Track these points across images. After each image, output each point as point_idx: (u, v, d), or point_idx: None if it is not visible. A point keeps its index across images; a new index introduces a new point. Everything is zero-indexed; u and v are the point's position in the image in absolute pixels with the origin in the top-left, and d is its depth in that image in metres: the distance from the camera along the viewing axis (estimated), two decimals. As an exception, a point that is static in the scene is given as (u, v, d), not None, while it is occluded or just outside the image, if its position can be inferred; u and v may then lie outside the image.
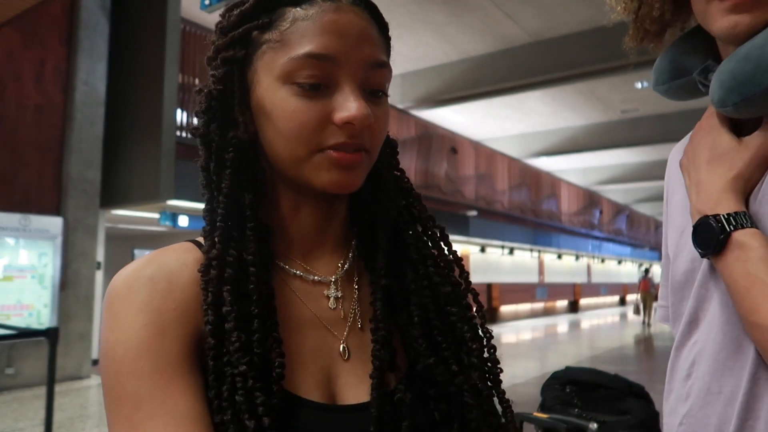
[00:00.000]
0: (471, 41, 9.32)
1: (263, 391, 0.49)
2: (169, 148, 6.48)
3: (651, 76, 0.79)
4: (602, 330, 15.16)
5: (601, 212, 20.68)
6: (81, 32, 6.75)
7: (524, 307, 17.01)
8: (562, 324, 16.12)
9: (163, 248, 0.57)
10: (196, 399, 0.49)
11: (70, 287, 6.63)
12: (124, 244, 12.81)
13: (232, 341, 0.50)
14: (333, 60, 0.54)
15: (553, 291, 18.50)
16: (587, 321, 17.20)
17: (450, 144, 11.83)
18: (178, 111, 6.77)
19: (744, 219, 0.60)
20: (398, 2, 7.97)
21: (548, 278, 19.36)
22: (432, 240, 0.66)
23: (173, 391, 0.48)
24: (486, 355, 0.61)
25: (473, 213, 12.47)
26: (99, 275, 7.22)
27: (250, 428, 0.48)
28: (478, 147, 13.15)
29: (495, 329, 13.37)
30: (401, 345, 0.60)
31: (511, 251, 16.46)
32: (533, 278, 18.46)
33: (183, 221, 8.21)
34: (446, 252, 0.66)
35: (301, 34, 0.54)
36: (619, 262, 26.01)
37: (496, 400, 0.61)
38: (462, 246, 14.46)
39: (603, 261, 23.82)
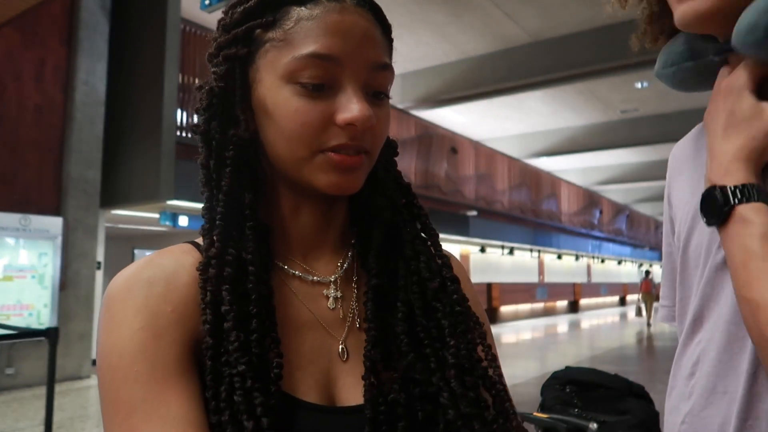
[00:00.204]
0: (471, 41, 9.32)
1: (262, 392, 0.49)
2: (169, 148, 6.48)
3: (657, 62, 0.76)
4: (602, 330, 15.15)
5: (601, 212, 20.69)
6: (81, 32, 6.75)
7: (524, 307, 17.01)
8: (562, 324, 16.12)
9: (162, 250, 0.57)
10: (192, 403, 0.49)
11: (70, 287, 6.63)
12: (124, 244, 12.81)
13: (230, 341, 0.50)
14: (336, 61, 0.53)
15: (553, 291, 18.50)
16: (587, 321, 17.19)
17: (450, 144, 11.84)
18: (178, 111, 6.77)
19: (752, 192, 0.58)
20: (398, 2, 7.97)
21: (548, 278, 19.37)
22: (431, 238, 0.65)
23: (168, 395, 0.48)
24: (472, 352, 0.58)
25: (473, 213, 12.47)
26: (99, 275, 7.22)
27: (248, 429, 0.47)
28: (478, 147, 13.15)
29: (495, 329, 13.38)
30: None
31: (511, 251, 16.46)
32: (533, 278, 18.46)
33: (183, 221, 8.21)
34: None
35: (305, 34, 0.53)
36: (619, 262, 26.01)
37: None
38: (462, 246, 14.46)
39: (603, 261, 23.82)
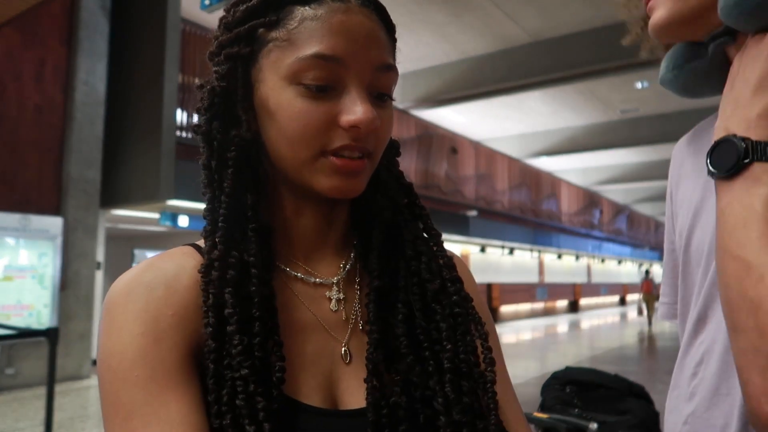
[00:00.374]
0: (471, 41, 9.32)
1: (264, 396, 0.49)
2: (169, 148, 6.48)
3: (659, 68, 0.76)
4: (602, 330, 15.15)
5: (601, 212, 20.69)
6: (81, 32, 6.75)
7: (524, 307, 17.01)
8: (562, 324, 16.11)
9: (162, 253, 0.57)
10: (192, 406, 0.48)
11: (70, 287, 6.63)
12: (124, 244, 12.81)
13: (234, 344, 0.49)
14: (341, 62, 0.53)
15: (553, 291, 18.50)
16: (587, 321, 17.19)
17: (450, 144, 11.84)
18: (178, 111, 6.77)
19: None
20: (398, 2, 7.97)
21: (548, 278, 19.36)
22: (433, 238, 0.64)
23: (168, 399, 0.48)
24: (473, 356, 0.57)
25: (473, 213, 12.47)
26: (99, 275, 7.22)
27: None
28: (478, 147, 13.15)
29: (495, 329, 13.28)
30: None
31: (511, 251, 16.46)
32: (533, 278, 18.46)
33: (183, 221, 8.21)
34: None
35: (309, 34, 0.53)
36: (619, 262, 26.02)
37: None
38: (462, 246, 14.47)
39: (603, 261, 23.82)
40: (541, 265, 19.09)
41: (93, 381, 6.59)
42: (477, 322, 0.59)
